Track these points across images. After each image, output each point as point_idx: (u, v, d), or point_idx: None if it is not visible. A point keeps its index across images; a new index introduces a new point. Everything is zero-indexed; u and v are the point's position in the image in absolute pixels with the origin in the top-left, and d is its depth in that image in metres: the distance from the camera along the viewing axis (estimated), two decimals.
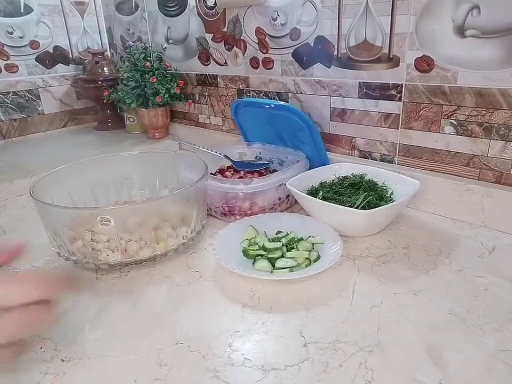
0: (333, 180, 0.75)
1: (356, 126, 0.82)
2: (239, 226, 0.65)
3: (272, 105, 0.81)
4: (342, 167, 0.78)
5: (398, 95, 0.74)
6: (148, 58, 1.14)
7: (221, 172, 0.84)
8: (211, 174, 0.79)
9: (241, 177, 0.81)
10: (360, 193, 0.68)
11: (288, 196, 0.75)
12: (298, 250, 0.59)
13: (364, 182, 0.71)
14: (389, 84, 0.74)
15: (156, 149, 1.17)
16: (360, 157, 0.84)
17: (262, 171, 0.83)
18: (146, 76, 1.11)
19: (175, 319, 0.49)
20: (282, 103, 0.82)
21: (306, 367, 0.41)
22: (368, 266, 0.58)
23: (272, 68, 0.93)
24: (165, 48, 1.18)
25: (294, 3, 0.83)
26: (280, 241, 0.61)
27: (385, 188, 0.70)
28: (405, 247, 0.63)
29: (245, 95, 1.01)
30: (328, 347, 0.43)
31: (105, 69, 1.28)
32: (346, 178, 0.74)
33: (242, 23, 0.95)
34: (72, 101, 1.38)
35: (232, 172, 0.84)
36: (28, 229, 0.74)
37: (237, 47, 0.99)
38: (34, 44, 1.26)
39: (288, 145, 0.87)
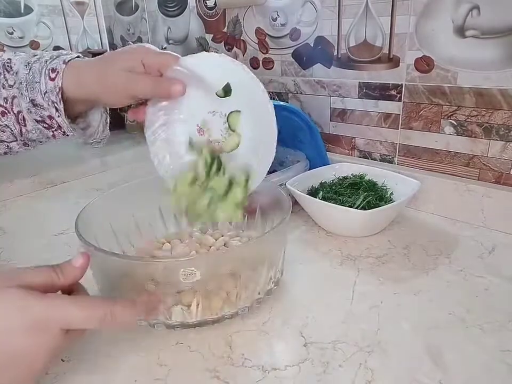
0: (333, 180, 0.75)
1: (355, 126, 0.82)
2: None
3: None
4: (342, 167, 0.78)
5: (398, 95, 0.74)
6: None
7: None
8: None
9: None
10: (360, 193, 0.68)
11: (288, 195, 0.75)
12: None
13: (363, 182, 0.71)
14: (389, 84, 0.74)
15: None
16: (360, 157, 0.84)
17: None
18: None
19: None
20: (282, 103, 0.82)
21: (306, 367, 0.41)
22: (368, 266, 0.58)
23: (272, 68, 0.93)
24: (165, 48, 1.18)
25: (294, 3, 0.83)
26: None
27: (385, 188, 0.70)
28: (405, 247, 0.63)
29: None
30: (328, 347, 0.43)
31: None
32: (346, 178, 0.74)
33: (242, 23, 0.95)
34: None
35: None
36: (28, 229, 0.74)
37: (237, 47, 0.99)
38: (34, 44, 1.26)
39: (288, 145, 0.87)
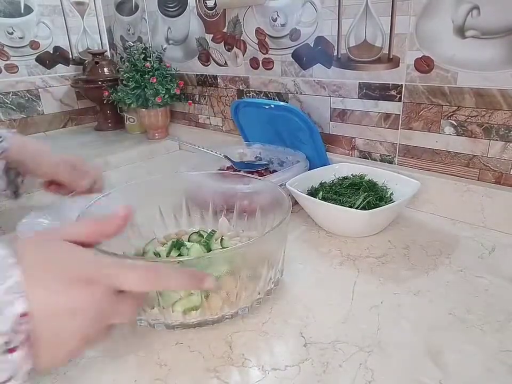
0: (333, 180, 0.75)
1: (355, 126, 0.82)
2: None
3: (272, 106, 0.81)
4: (342, 167, 0.78)
5: (398, 96, 0.74)
6: (148, 59, 1.14)
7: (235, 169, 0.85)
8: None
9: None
10: (360, 193, 0.68)
11: (288, 196, 0.75)
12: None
13: (363, 183, 0.71)
14: (389, 84, 0.74)
15: (156, 149, 1.17)
16: (360, 157, 0.84)
17: (262, 171, 0.83)
18: (146, 76, 1.11)
19: None
20: (282, 103, 0.82)
21: (306, 367, 0.41)
22: (368, 266, 0.58)
23: (272, 68, 0.93)
24: (165, 48, 1.18)
25: (294, 4, 0.83)
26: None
27: (385, 188, 0.70)
28: (405, 247, 0.63)
29: (245, 96, 1.01)
30: (328, 347, 0.43)
31: (105, 69, 1.29)
32: (346, 178, 0.74)
33: (242, 23, 0.95)
34: (72, 101, 1.38)
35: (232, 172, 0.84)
36: None
37: (237, 47, 0.99)
38: (34, 44, 1.26)
39: (288, 145, 0.87)
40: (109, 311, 0.31)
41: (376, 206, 0.64)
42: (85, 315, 0.29)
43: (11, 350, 0.25)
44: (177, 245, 0.54)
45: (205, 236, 0.58)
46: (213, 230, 0.59)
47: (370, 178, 0.73)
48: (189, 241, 0.58)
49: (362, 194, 0.67)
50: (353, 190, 0.70)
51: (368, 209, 0.61)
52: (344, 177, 0.75)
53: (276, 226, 0.47)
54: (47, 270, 0.29)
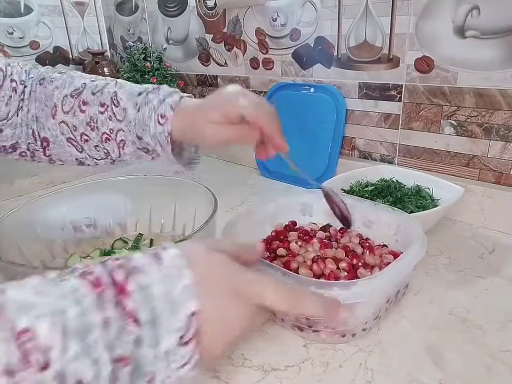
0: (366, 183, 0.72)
1: (355, 126, 0.82)
2: None
3: (312, 90, 0.84)
4: (382, 169, 0.75)
5: (398, 96, 0.74)
6: (148, 59, 1.14)
7: (304, 235, 0.53)
8: (274, 232, 0.55)
9: (328, 240, 0.53)
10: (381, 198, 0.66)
11: (398, 292, 0.47)
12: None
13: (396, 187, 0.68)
14: (389, 84, 0.74)
15: None
16: (360, 157, 0.84)
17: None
18: (146, 76, 1.11)
19: None
20: (322, 85, 0.84)
21: (306, 367, 0.41)
22: None
23: (272, 68, 0.93)
24: (165, 48, 1.18)
25: (294, 4, 0.83)
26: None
27: (429, 193, 0.67)
28: None
29: None
30: (328, 347, 0.43)
31: (105, 69, 1.28)
32: (386, 181, 0.71)
33: (242, 23, 0.95)
34: None
35: (318, 235, 0.53)
36: None
37: (237, 47, 0.99)
38: (34, 44, 1.26)
39: (307, 136, 0.86)
40: (250, 324, 0.34)
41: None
42: (233, 327, 0.33)
43: (185, 343, 0.29)
44: (106, 254, 0.51)
45: (129, 242, 0.55)
46: (139, 233, 0.58)
47: (416, 183, 0.69)
48: (112, 249, 0.55)
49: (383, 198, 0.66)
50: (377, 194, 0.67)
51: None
52: (383, 179, 0.72)
53: (204, 224, 0.46)
54: (210, 278, 0.32)
